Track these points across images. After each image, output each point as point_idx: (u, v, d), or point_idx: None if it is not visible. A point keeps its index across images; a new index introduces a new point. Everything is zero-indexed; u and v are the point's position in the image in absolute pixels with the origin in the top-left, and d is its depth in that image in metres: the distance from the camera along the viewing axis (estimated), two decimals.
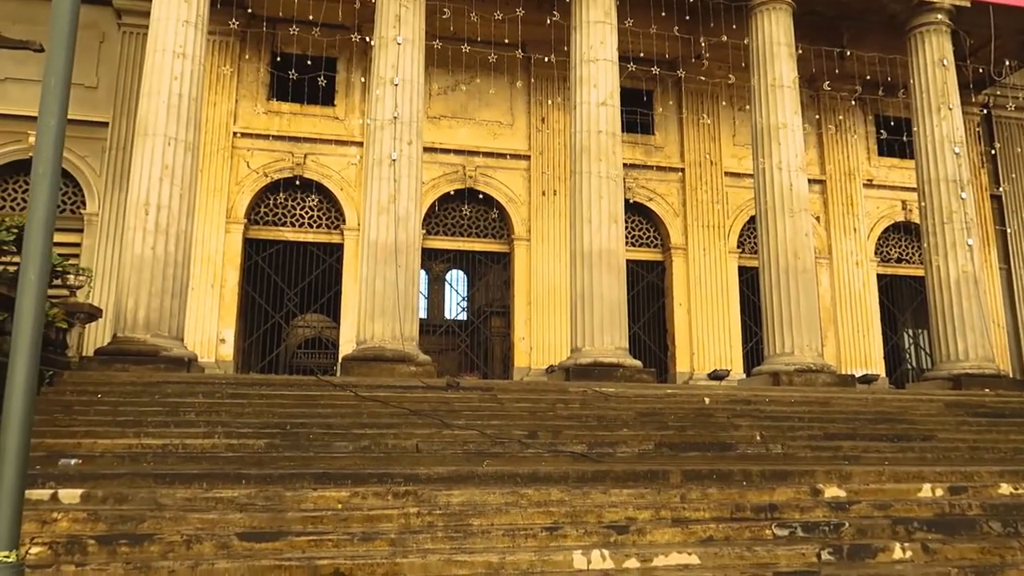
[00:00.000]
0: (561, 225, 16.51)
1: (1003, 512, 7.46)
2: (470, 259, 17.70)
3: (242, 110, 15.71)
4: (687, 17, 14.55)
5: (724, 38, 14.81)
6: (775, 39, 14.50)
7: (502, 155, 16.66)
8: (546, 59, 15.08)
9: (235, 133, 15.51)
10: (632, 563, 5.93)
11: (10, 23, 14.51)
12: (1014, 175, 19.19)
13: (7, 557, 2.88)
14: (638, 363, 12.85)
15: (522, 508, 6.63)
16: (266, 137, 15.60)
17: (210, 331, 14.50)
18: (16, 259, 9.69)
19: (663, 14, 14.52)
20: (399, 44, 12.78)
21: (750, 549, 6.23)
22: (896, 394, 13.02)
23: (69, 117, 13.36)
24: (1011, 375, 17.11)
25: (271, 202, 15.83)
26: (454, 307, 30.10)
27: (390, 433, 8.94)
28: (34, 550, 5.37)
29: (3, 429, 2.95)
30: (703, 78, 16.15)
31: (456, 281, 30.71)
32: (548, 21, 14.05)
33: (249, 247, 15.55)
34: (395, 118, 12.52)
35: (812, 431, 10.35)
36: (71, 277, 10.74)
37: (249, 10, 14.94)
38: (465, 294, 27.77)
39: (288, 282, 15.77)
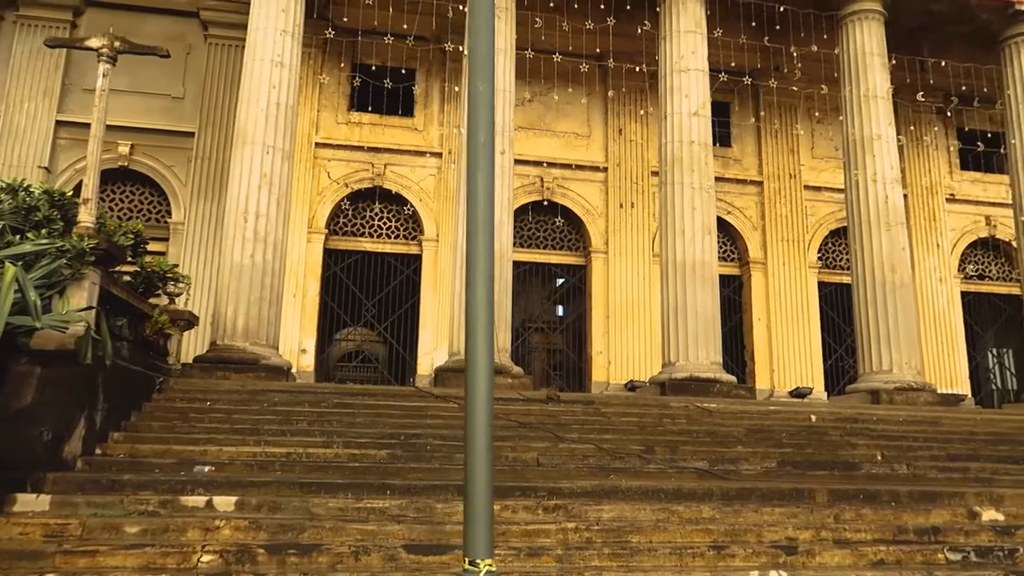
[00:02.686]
0: (639, 238, 16.31)
1: None
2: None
3: (323, 120, 15.74)
4: (777, 27, 14.33)
5: (814, 48, 14.56)
6: (867, 49, 14.21)
7: (579, 167, 16.50)
8: (636, 68, 14.95)
9: (316, 143, 15.53)
10: None
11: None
12: None
13: (489, 565, 2.68)
14: (733, 378, 12.55)
15: (679, 525, 6.38)
16: (346, 148, 15.63)
17: (292, 341, 14.43)
18: (129, 268, 9.67)
19: (752, 24, 14.31)
20: None
21: (930, 574, 5.91)
22: (1004, 414, 12.54)
23: (155, 127, 13.41)
24: None
25: (350, 212, 15.79)
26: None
27: (506, 446, 8.71)
28: (205, 558, 5.23)
29: (468, 436, 2.69)
30: (794, 88, 15.80)
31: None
32: (638, 31, 13.90)
33: (328, 257, 15.51)
34: None
35: (932, 451, 9.95)
36: (171, 285, 10.72)
37: (331, 27, 14.89)
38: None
39: (366, 293, 15.69)
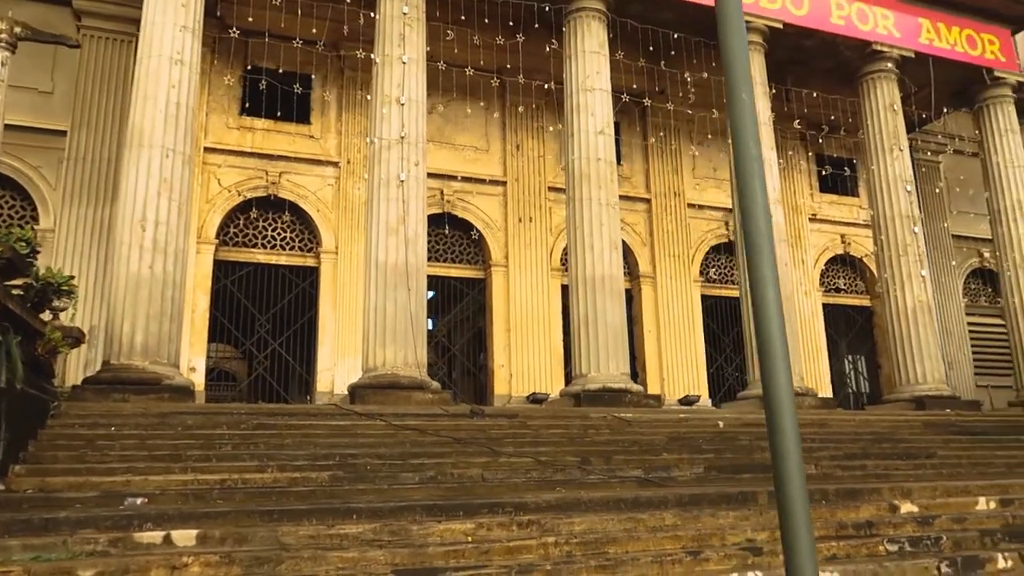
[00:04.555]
0: (539, 252, 16.54)
1: None
2: None
3: (213, 124, 14.82)
4: (672, 52, 15.06)
5: (705, 75, 15.40)
6: (753, 78, 15.21)
7: (479, 180, 16.52)
8: (544, 85, 15.15)
9: (205, 148, 14.58)
10: None
11: None
12: (933, 213, 20.92)
13: None
14: (641, 388, 13.02)
15: (648, 533, 6.51)
16: (238, 153, 14.78)
17: (181, 359, 13.37)
18: (19, 280, 8.64)
19: (650, 48, 14.96)
20: (404, 63, 12.51)
21: (880, 565, 6.38)
22: (877, 415, 13.77)
23: (18, 123, 12.24)
24: None
25: (241, 222, 14.94)
26: None
27: (448, 462, 8.56)
28: None
29: (779, 471, 2.44)
30: (689, 111, 16.61)
31: None
32: (546, 49, 14.16)
33: (218, 269, 14.57)
34: (402, 138, 12.20)
35: (830, 451, 10.75)
36: (63, 299, 9.69)
37: (230, 25, 14.07)
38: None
39: (259, 307, 14.88)
